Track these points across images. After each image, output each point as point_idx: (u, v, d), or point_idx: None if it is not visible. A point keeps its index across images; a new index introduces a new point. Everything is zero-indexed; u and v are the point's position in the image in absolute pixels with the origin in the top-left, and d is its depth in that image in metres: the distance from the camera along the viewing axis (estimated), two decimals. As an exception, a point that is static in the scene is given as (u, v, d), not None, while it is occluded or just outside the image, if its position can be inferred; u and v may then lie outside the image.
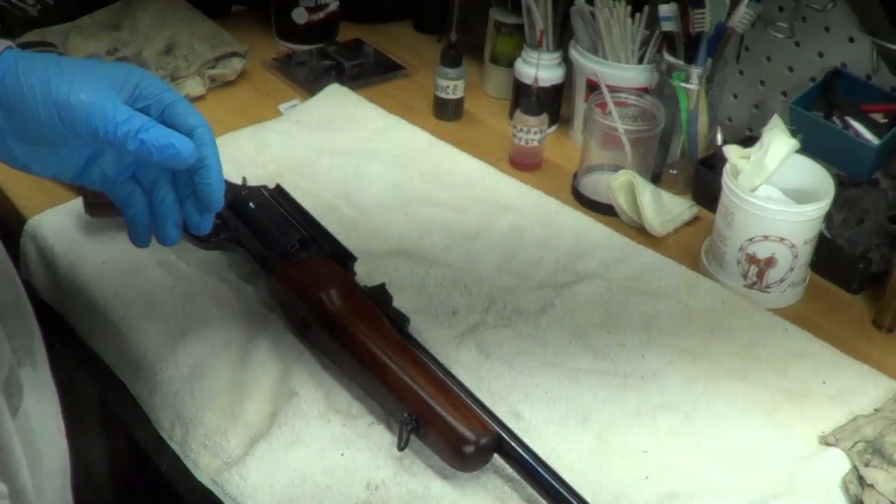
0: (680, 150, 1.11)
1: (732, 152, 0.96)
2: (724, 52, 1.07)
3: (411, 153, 1.14)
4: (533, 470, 0.71)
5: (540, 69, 1.16)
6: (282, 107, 1.24)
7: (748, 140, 1.05)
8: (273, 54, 1.37)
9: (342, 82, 1.27)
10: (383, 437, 0.77)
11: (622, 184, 1.04)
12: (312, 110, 1.21)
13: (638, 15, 1.11)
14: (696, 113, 1.08)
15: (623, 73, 1.13)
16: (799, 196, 0.95)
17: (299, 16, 1.37)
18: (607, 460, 0.77)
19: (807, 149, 0.95)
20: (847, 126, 1.02)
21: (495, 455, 0.73)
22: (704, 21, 1.03)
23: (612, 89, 1.09)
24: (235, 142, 1.13)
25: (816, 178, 0.95)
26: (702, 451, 0.78)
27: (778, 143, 0.94)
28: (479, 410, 0.74)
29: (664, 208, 1.04)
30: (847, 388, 0.85)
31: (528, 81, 1.17)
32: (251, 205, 0.93)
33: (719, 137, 1.10)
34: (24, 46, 1.19)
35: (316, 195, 1.04)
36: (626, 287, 0.95)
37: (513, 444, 0.72)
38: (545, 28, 1.17)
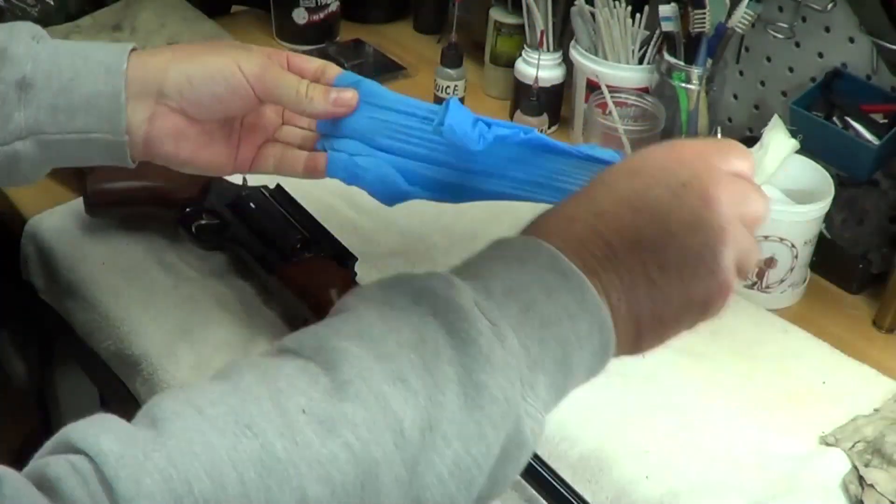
0: (680, 151, 1.11)
1: (732, 152, 0.96)
2: (724, 53, 1.07)
3: (411, 153, 1.14)
4: (533, 470, 0.71)
5: (540, 69, 1.16)
6: (282, 107, 1.24)
7: (748, 140, 1.05)
8: (273, 54, 1.36)
9: (342, 82, 1.27)
10: (383, 437, 0.77)
11: (622, 184, 1.04)
12: (312, 110, 1.21)
13: (638, 15, 1.11)
14: (696, 113, 1.08)
15: (623, 73, 1.13)
16: (799, 196, 0.95)
17: (299, 16, 1.37)
18: (607, 460, 0.77)
19: (807, 149, 0.95)
20: (847, 126, 1.02)
21: (495, 455, 0.73)
22: (704, 21, 1.03)
23: (613, 89, 1.09)
24: (235, 142, 1.12)
25: (816, 178, 0.95)
26: (702, 451, 0.78)
27: (778, 144, 0.94)
28: (479, 410, 0.74)
29: (664, 208, 1.04)
30: (847, 388, 0.85)
31: (529, 82, 1.17)
32: (252, 205, 0.93)
33: (719, 138, 1.10)
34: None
35: (316, 195, 1.04)
36: (627, 287, 0.95)
37: (513, 444, 0.72)
38: (545, 28, 1.16)
